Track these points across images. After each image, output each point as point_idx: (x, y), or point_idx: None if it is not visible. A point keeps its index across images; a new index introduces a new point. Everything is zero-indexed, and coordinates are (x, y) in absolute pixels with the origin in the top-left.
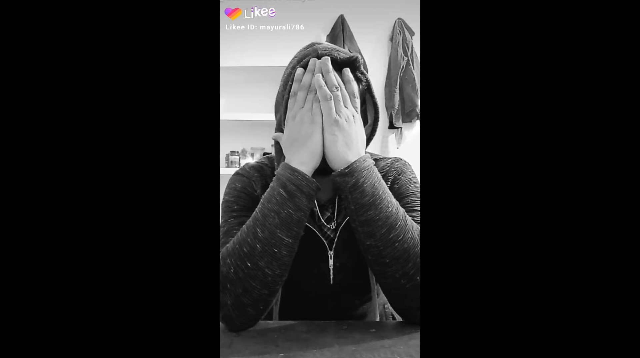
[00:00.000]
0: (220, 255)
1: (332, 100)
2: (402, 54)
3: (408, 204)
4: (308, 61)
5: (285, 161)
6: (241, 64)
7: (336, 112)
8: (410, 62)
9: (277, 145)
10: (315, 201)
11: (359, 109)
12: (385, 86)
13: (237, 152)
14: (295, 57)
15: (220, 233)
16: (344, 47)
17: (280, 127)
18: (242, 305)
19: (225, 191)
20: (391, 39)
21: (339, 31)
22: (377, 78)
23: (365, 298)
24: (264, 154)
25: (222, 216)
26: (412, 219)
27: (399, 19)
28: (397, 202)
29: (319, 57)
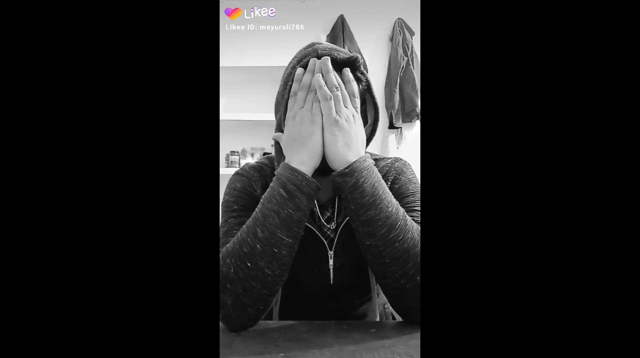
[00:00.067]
0: (220, 255)
1: (332, 100)
2: (402, 54)
3: (408, 204)
4: (308, 61)
5: (285, 161)
6: (241, 64)
7: (336, 112)
8: (410, 62)
9: (277, 145)
10: (315, 201)
11: (359, 109)
12: (385, 86)
13: (237, 152)
14: (295, 57)
15: (220, 233)
16: (344, 47)
17: (280, 127)
18: (242, 305)
19: (225, 191)
20: (391, 39)
21: (339, 31)
22: (377, 78)
23: (365, 298)
24: (264, 154)
25: (222, 216)
26: (412, 219)
27: (399, 19)
28: (397, 202)
29: (319, 57)
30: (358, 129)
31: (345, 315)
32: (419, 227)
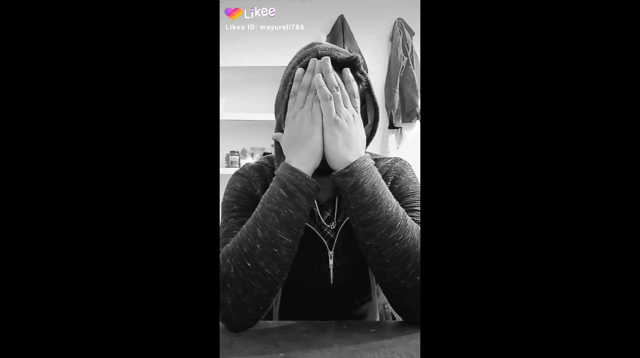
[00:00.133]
0: (220, 255)
1: (332, 100)
2: (402, 54)
3: (408, 204)
4: (308, 61)
5: (285, 161)
6: (241, 64)
7: (336, 112)
8: (410, 62)
9: (277, 145)
10: (315, 201)
11: (359, 109)
12: (385, 86)
13: (237, 152)
14: (295, 57)
15: (220, 233)
16: (344, 47)
17: (280, 127)
18: (242, 305)
19: (225, 191)
20: (391, 39)
21: (339, 31)
22: (377, 78)
23: (365, 298)
24: (264, 154)
25: (222, 216)
26: (412, 219)
27: (399, 19)
28: (397, 202)
29: (319, 57)
30: (358, 129)
31: (345, 315)
32: (419, 227)
